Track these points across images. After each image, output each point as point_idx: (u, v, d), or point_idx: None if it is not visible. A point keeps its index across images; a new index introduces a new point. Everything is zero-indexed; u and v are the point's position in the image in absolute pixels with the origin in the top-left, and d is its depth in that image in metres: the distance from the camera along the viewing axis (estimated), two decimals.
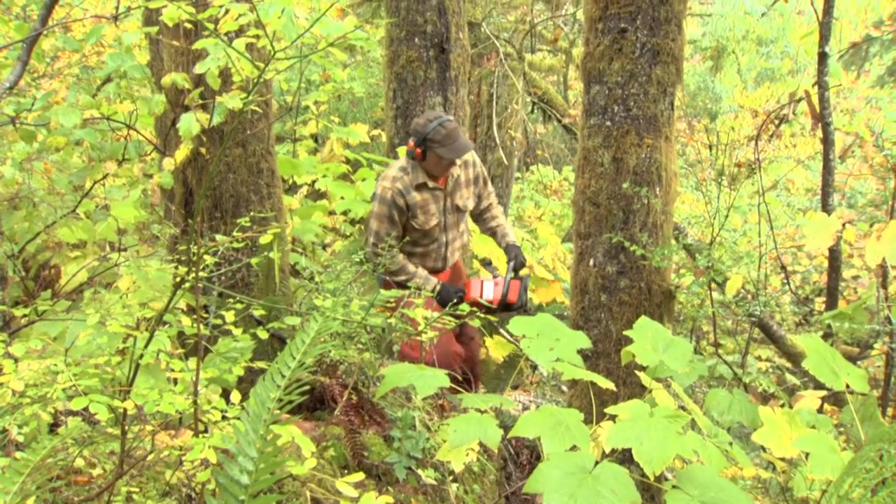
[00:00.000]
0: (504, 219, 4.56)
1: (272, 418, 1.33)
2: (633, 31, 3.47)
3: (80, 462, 1.88)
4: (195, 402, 1.68)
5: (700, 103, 13.01)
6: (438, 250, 4.33)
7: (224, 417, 1.78)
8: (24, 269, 4.24)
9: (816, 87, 3.72)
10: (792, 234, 7.71)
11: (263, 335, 2.16)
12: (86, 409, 1.66)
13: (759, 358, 6.42)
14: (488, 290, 4.23)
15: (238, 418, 1.41)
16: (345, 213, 5.08)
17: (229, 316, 2.03)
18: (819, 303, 6.77)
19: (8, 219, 4.05)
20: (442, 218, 4.25)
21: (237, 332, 2.05)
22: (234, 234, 1.97)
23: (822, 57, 3.63)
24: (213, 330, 2.44)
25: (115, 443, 1.82)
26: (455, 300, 3.79)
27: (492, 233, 4.55)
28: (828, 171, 3.71)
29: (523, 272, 4.40)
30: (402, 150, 5.21)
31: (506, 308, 4.25)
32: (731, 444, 2.28)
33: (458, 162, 4.17)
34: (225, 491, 1.39)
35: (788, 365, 5.87)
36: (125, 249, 4.24)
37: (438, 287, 4.19)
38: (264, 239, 2.34)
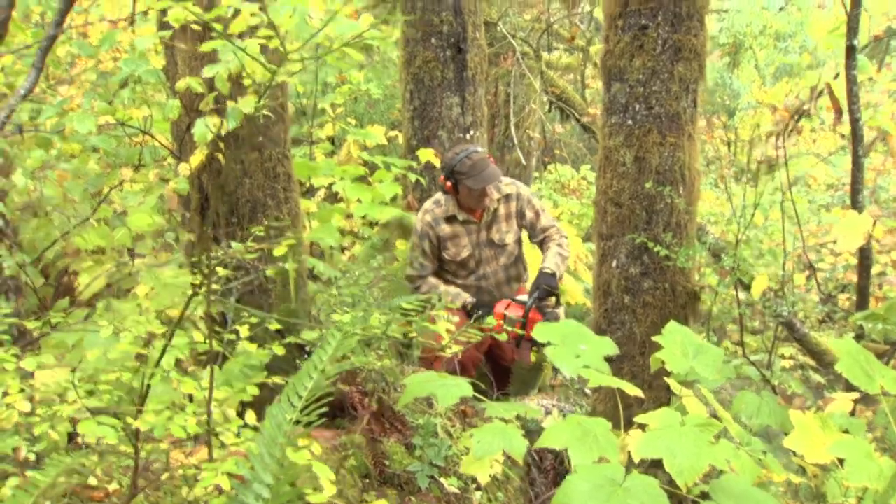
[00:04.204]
0: (556, 249, 4.27)
1: (288, 442, 1.27)
2: (654, 28, 3.40)
3: (96, 477, 1.84)
4: (209, 423, 1.63)
5: (718, 99, 12.88)
6: (478, 284, 4.32)
7: (239, 436, 1.73)
8: (44, 276, 4.22)
9: (844, 81, 3.62)
10: (815, 230, 7.58)
11: (280, 351, 2.11)
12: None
13: (782, 356, 6.32)
14: (511, 315, 4.07)
15: (253, 440, 1.36)
16: (363, 216, 5.04)
17: (244, 331, 1.98)
18: (843, 299, 6.64)
19: (25, 227, 4.04)
20: (475, 251, 4.26)
21: (252, 347, 2.00)
22: (249, 243, 1.92)
23: (850, 50, 3.53)
24: (228, 345, 2.39)
25: (130, 459, 1.77)
26: (479, 313, 3.81)
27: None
28: (857, 167, 3.61)
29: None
30: (421, 153, 5.17)
31: (525, 341, 4.09)
32: (764, 452, 2.21)
33: (495, 196, 4.23)
34: None
35: (812, 363, 5.76)
36: (143, 256, 4.22)
37: (471, 304, 4.21)
38: (279, 251, 2.28)
